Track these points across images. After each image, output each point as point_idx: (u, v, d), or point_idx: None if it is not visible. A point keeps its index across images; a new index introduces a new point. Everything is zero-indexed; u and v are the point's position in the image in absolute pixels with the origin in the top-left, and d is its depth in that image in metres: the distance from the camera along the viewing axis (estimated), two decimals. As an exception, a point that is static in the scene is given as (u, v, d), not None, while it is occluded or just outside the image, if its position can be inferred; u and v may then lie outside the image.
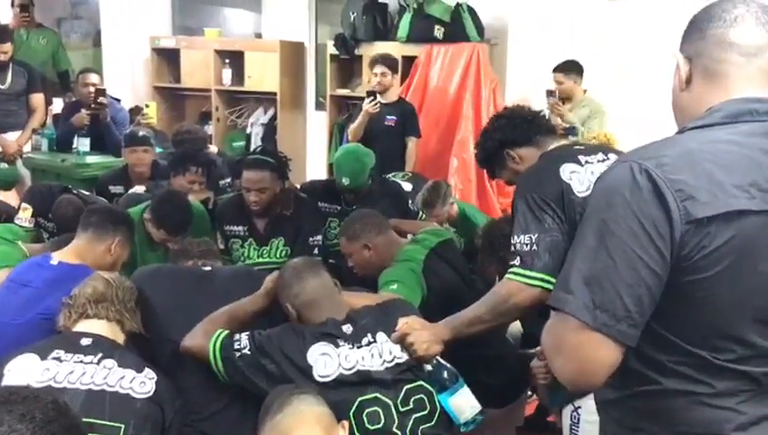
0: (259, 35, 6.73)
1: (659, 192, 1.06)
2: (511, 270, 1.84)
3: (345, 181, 3.37)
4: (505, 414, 2.51)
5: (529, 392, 2.76)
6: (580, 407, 1.94)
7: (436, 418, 1.89)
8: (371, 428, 1.83)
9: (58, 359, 1.83)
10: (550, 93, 4.70)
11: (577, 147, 2.10)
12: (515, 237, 1.84)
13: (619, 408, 1.24)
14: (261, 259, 3.18)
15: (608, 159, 1.94)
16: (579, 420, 1.95)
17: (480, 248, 2.76)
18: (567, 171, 1.85)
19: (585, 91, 4.94)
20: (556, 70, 4.90)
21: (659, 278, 1.08)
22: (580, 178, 1.84)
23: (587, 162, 1.90)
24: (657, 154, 1.10)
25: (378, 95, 4.60)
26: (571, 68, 4.87)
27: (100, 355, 1.85)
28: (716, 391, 1.13)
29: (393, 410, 1.86)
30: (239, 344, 1.92)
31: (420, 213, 3.62)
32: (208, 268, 2.37)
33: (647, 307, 1.09)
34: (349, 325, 1.94)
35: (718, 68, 1.17)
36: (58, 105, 5.53)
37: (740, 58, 1.16)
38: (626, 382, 1.18)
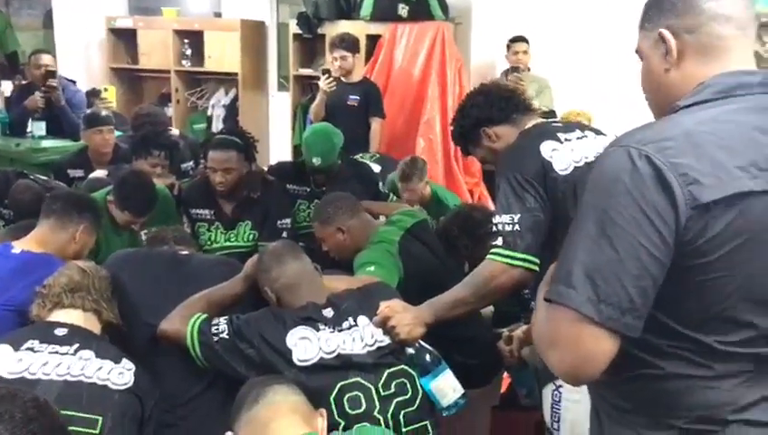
0: (219, 15, 6.58)
1: (663, 178, 1.02)
2: (493, 250, 1.82)
3: (316, 161, 3.31)
4: (482, 394, 2.51)
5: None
6: (561, 386, 1.93)
7: (418, 402, 1.87)
8: (352, 412, 1.80)
9: (32, 349, 1.76)
10: (514, 69, 4.66)
11: (554, 124, 2.08)
12: (497, 217, 1.82)
13: (613, 390, 1.21)
14: (228, 243, 3.13)
15: (585, 136, 1.93)
16: (560, 398, 1.94)
17: (444, 247, 2.73)
18: (548, 149, 1.84)
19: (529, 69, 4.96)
20: (520, 40, 4.89)
21: (663, 266, 1.05)
22: (560, 155, 1.83)
23: (566, 139, 1.88)
24: (657, 138, 1.06)
25: (332, 72, 4.50)
26: (527, 40, 4.88)
27: (76, 346, 1.79)
28: (716, 373, 1.11)
29: (374, 394, 1.83)
30: (217, 329, 1.88)
31: (390, 195, 3.58)
32: (185, 253, 2.32)
33: (651, 297, 1.06)
34: (330, 309, 1.91)
35: (719, 44, 1.13)
36: (7, 88, 5.34)
37: (737, 31, 1.13)
38: (623, 366, 1.14)
